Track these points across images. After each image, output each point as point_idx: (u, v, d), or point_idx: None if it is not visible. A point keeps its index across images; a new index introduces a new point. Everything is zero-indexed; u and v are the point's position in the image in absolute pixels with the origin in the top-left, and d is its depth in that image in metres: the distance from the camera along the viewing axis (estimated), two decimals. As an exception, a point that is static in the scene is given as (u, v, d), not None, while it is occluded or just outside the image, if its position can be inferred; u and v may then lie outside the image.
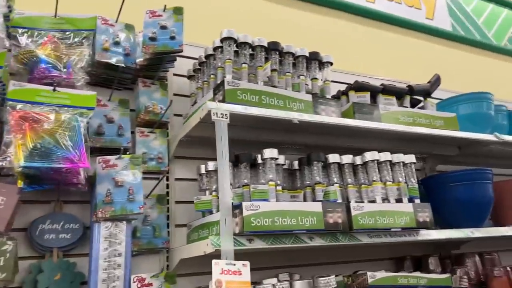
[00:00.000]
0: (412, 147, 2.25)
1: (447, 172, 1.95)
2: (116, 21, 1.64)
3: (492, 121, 2.24)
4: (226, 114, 1.42)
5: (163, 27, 1.60)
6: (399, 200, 1.66)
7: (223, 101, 1.48)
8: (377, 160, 1.66)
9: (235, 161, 1.52)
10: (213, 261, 1.25)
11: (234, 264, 1.28)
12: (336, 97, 1.96)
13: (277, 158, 1.52)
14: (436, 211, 1.99)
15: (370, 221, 1.53)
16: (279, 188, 1.54)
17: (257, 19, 2.40)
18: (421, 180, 2.05)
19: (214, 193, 1.53)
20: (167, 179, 1.75)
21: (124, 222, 1.44)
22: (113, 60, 1.57)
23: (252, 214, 1.33)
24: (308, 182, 1.63)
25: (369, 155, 1.65)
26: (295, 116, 1.58)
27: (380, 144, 2.12)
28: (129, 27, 1.68)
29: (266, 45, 1.66)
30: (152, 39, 1.58)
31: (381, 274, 1.53)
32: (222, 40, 1.60)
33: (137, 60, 1.65)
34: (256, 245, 1.36)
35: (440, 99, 2.36)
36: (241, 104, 1.49)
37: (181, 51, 1.60)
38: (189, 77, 1.84)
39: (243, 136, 1.74)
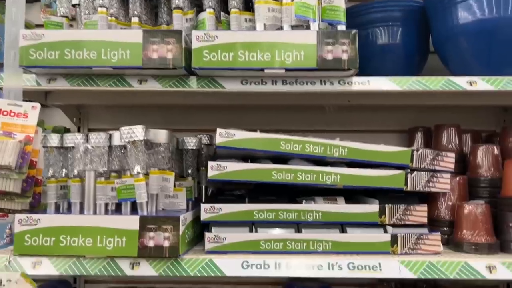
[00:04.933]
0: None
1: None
2: None
3: None
4: None
5: None
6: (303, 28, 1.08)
7: None
8: (264, -36, 1.07)
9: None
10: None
11: (21, 106, 1.08)
12: None
13: (110, -27, 1.12)
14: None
15: (225, 58, 1.04)
16: (136, 20, 1.17)
17: None
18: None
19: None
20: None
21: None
22: None
23: (32, 45, 1.05)
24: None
25: (253, -42, 1.07)
26: None
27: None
28: None
29: None
30: None
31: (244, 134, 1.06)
32: None
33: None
34: (57, 85, 1.10)
35: None
36: None
37: None
38: None
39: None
